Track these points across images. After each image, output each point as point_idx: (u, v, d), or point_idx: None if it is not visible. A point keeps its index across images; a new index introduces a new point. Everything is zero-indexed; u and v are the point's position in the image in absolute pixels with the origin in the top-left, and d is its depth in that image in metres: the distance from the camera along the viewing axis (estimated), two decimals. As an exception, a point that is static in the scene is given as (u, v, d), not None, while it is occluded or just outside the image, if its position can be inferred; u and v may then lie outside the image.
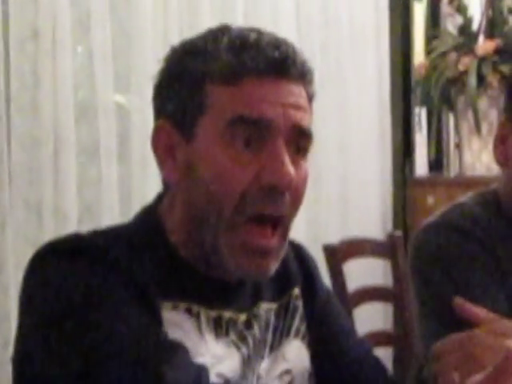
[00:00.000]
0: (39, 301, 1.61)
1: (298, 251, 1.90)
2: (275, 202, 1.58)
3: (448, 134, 5.73)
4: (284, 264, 1.76)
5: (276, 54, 1.61)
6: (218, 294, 1.69)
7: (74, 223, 2.54)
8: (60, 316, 1.57)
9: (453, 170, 5.60)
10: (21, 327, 1.62)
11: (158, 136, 1.63)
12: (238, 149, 1.58)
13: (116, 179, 2.74)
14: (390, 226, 4.77)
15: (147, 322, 1.56)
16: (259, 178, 1.56)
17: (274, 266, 1.63)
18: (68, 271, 1.59)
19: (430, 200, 4.65)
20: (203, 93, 1.61)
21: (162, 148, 1.63)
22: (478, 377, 1.43)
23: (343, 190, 4.20)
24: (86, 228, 2.50)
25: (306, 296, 1.83)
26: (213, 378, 1.60)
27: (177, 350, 1.55)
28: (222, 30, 1.67)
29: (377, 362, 1.94)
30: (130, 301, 1.57)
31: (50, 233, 2.49)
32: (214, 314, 1.66)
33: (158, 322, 1.58)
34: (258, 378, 1.70)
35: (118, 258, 1.60)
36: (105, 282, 1.57)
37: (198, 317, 1.65)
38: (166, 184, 1.72)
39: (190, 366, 1.54)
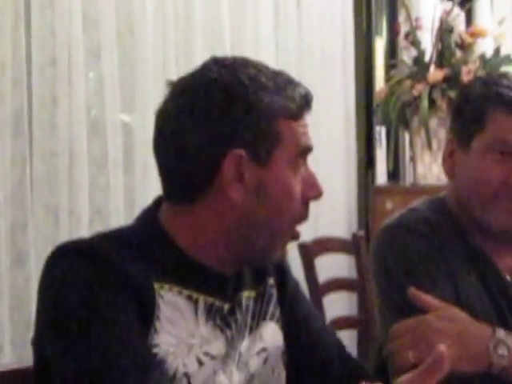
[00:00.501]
0: (48, 295, 1.62)
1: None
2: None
3: (404, 149, 5.76)
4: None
5: (304, 90, 1.68)
6: (215, 284, 1.68)
7: (85, 224, 2.54)
8: (61, 311, 1.58)
9: (408, 180, 5.64)
10: (36, 316, 1.63)
11: (231, 161, 1.58)
12: (302, 172, 1.66)
13: (122, 186, 2.74)
14: (354, 226, 4.77)
15: (136, 331, 1.56)
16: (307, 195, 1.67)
17: None
18: (71, 271, 1.59)
19: (389, 205, 4.66)
20: (279, 126, 1.61)
21: (233, 172, 1.58)
22: (410, 374, 1.39)
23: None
24: (96, 228, 2.50)
25: (278, 285, 1.83)
26: (201, 356, 1.62)
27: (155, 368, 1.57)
28: (257, 66, 1.69)
29: (338, 341, 1.95)
30: (125, 303, 1.56)
31: (66, 232, 2.49)
32: (210, 300, 1.66)
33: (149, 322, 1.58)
34: (240, 355, 1.70)
35: (117, 259, 1.57)
36: (102, 282, 1.56)
37: (196, 303, 1.64)
38: (175, 194, 1.68)
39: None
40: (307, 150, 1.68)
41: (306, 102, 1.67)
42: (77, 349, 1.55)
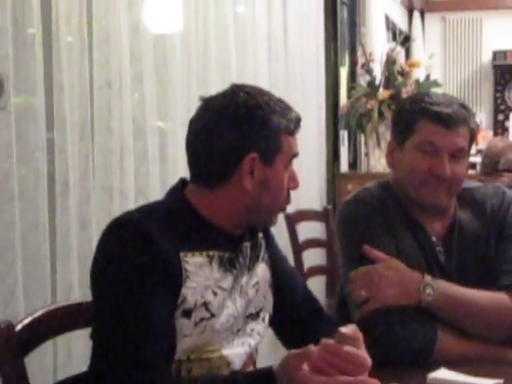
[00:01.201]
0: (101, 255, 1.65)
1: None
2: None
3: (360, 147, 5.78)
4: None
5: (297, 114, 1.77)
6: (226, 241, 1.71)
7: (132, 201, 2.54)
8: (110, 268, 1.61)
9: (363, 169, 5.70)
10: (91, 267, 1.66)
11: (247, 163, 1.64)
12: (289, 170, 1.75)
13: (158, 173, 2.73)
14: (324, 202, 4.78)
15: (162, 290, 1.58)
16: (289, 186, 1.76)
17: None
18: (118, 241, 1.62)
19: (349, 186, 4.70)
20: (281, 139, 1.69)
21: (248, 169, 1.64)
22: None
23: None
24: (139, 203, 2.50)
25: (265, 238, 1.87)
26: (215, 289, 1.65)
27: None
28: (268, 94, 1.76)
29: (299, 277, 2.05)
30: (155, 268, 1.57)
31: (117, 206, 2.48)
32: (221, 254, 1.68)
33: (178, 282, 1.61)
34: (241, 287, 1.72)
35: (151, 234, 1.58)
36: (139, 252, 1.57)
37: (212, 258, 1.66)
38: (202, 180, 1.72)
39: None
40: (296, 155, 1.76)
41: (298, 123, 1.75)
42: (114, 291, 1.58)
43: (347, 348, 1.44)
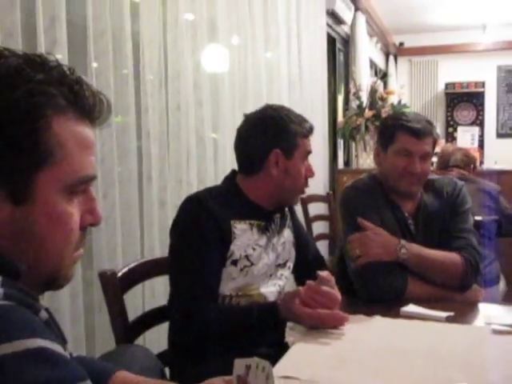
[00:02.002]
0: (175, 223, 1.67)
1: None
2: None
3: (351, 151, 5.71)
4: None
5: (310, 124, 1.76)
6: (264, 214, 1.71)
7: (195, 188, 2.54)
8: (180, 231, 1.65)
9: (353, 166, 5.60)
10: (170, 231, 1.69)
11: (273, 156, 1.66)
12: (305, 163, 1.75)
13: (212, 169, 2.73)
14: (327, 189, 4.77)
15: (216, 248, 1.60)
16: (306, 175, 1.75)
17: None
18: (189, 212, 1.64)
19: (344, 178, 4.65)
20: (297, 140, 1.69)
21: (274, 161, 1.66)
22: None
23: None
24: (200, 188, 2.52)
25: (290, 212, 1.87)
26: (254, 246, 1.66)
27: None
28: (288, 110, 1.76)
29: (315, 245, 2.04)
30: (213, 231, 1.59)
31: (185, 192, 2.48)
32: (259, 223, 1.69)
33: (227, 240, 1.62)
34: (273, 245, 1.72)
35: (212, 207, 1.61)
36: (203, 219, 1.59)
37: (252, 225, 1.67)
38: (245, 170, 1.73)
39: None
40: (310, 152, 1.75)
41: (311, 130, 1.75)
42: (182, 245, 1.62)
43: (324, 287, 1.49)
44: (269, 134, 1.68)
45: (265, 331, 1.54)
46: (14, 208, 0.66)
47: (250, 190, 1.71)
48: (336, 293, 1.51)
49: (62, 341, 0.64)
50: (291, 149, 1.69)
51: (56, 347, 0.58)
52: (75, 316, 1.83)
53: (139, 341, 1.68)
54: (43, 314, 0.63)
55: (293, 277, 1.91)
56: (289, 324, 1.60)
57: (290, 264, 1.81)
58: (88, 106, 0.72)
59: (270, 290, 1.68)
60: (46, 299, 1.65)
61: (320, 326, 1.46)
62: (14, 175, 0.65)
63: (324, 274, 1.51)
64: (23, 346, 0.54)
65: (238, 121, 1.79)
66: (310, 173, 1.75)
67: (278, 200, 1.74)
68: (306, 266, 1.86)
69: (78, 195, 0.72)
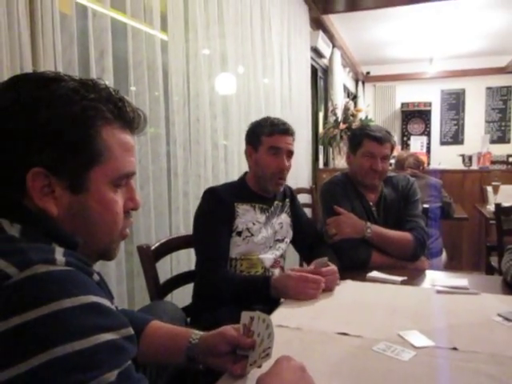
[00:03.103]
0: (198, 211, 1.65)
1: (289, 188, 1.90)
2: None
3: (329, 154, 5.66)
4: (284, 190, 1.82)
5: (284, 124, 1.70)
6: (265, 200, 1.71)
7: (210, 183, 2.52)
8: (200, 213, 1.62)
9: (331, 166, 5.55)
10: (195, 214, 1.67)
11: (248, 150, 1.69)
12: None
13: (223, 168, 2.70)
14: (310, 183, 4.73)
15: (225, 233, 1.59)
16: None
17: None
18: (205, 201, 1.63)
19: (324, 175, 4.62)
20: (261, 139, 1.68)
21: (249, 154, 1.68)
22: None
23: (297, 170, 4.13)
24: (213, 184, 2.51)
25: (291, 201, 1.84)
26: (254, 222, 1.64)
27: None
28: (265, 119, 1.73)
29: (313, 224, 1.99)
30: (223, 213, 1.59)
31: (202, 186, 2.46)
32: (261, 205, 1.68)
33: (233, 219, 1.61)
34: (272, 224, 1.71)
35: (222, 195, 1.62)
36: (215, 204, 1.60)
37: (255, 207, 1.66)
38: (250, 167, 1.73)
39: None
40: (276, 148, 1.68)
41: (280, 130, 1.69)
42: (200, 224, 1.61)
43: (324, 268, 1.46)
44: (246, 136, 1.73)
45: (259, 294, 1.47)
46: (72, 196, 0.66)
47: (248, 180, 1.72)
48: (333, 267, 1.49)
49: (110, 297, 0.64)
50: (256, 144, 1.68)
51: (105, 302, 0.58)
52: (119, 279, 1.83)
53: (167, 298, 1.68)
54: (95, 277, 0.63)
55: (297, 252, 1.93)
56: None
57: (288, 239, 1.80)
58: (129, 119, 0.72)
59: (267, 256, 1.69)
60: (98, 265, 1.65)
61: (301, 296, 1.36)
62: (73, 171, 0.65)
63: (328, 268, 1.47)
64: (80, 300, 0.55)
65: (243, 130, 1.79)
66: (276, 164, 1.67)
67: (260, 186, 1.71)
68: (305, 240, 1.84)
69: (122, 187, 0.71)
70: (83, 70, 1.68)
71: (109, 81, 1.77)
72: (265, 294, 1.42)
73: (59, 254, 0.58)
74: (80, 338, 0.52)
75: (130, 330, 0.60)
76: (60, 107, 0.63)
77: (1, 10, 1.31)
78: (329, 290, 1.44)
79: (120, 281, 1.84)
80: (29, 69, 1.40)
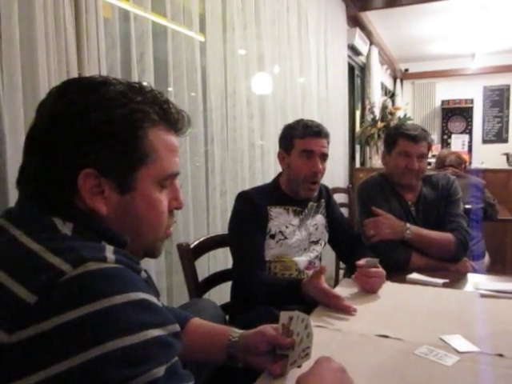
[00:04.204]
0: (233, 211, 1.65)
1: (325, 187, 1.86)
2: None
3: (366, 153, 5.57)
4: (320, 190, 1.78)
5: (318, 127, 1.64)
6: (299, 203, 1.69)
7: (247, 182, 2.53)
8: (235, 217, 1.62)
9: (368, 165, 5.46)
10: (230, 217, 1.68)
11: (279, 154, 1.68)
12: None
13: (260, 166, 2.71)
14: (347, 183, 4.67)
15: (258, 235, 1.58)
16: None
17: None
18: (238, 204, 1.63)
19: (361, 175, 4.56)
20: (293, 142, 1.65)
21: (281, 158, 1.67)
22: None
23: (334, 169, 4.09)
24: (252, 184, 2.51)
25: (327, 200, 1.81)
26: (288, 225, 1.63)
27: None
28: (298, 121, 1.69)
29: (350, 225, 1.93)
30: (256, 217, 1.59)
31: (240, 185, 2.46)
32: (294, 208, 1.67)
33: (265, 222, 1.60)
34: (306, 225, 1.69)
35: (256, 199, 1.61)
36: (249, 208, 1.60)
37: (288, 210, 1.65)
38: (283, 170, 1.71)
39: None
40: (310, 151, 1.65)
41: (313, 133, 1.64)
42: (236, 227, 1.61)
43: (372, 269, 1.45)
44: (279, 139, 1.72)
45: (292, 296, 1.42)
46: (120, 196, 0.67)
47: (281, 182, 1.71)
48: (382, 270, 1.45)
49: (156, 294, 0.66)
50: (289, 148, 1.66)
51: (153, 299, 0.60)
52: (159, 276, 1.87)
53: (205, 295, 1.70)
54: (143, 274, 0.65)
55: (334, 252, 1.91)
56: None
57: (322, 242, 1.78)
58: (174, 120, 0.73)
59: (301, 259, 1.68)
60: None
61: (329, 305, 1.29)
62: (121, 172, 0.67)
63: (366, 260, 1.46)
64: (130, 297, 0.56)
65: (280, 130, 1.78)
66: (307, 167, 1.63)
67: (293, 189, 1.68)
68: (343, 242, 1.80)
69: (167, 187, 0.73)
70: (125, 71, 1.72)
71: (149, 82, 1.80)
72: (296, 296, 1.39)
73: (109, 252, 0.60)
74: (130, 334, 0.54)
75: (177, 327, 0.61)
76: (109, 110, 0.65)
77: (49, 18, 1.36)
78: (372, 292, 1.42)
79: (159, 278, 1.88)
80: (75, 72, 1.45)
